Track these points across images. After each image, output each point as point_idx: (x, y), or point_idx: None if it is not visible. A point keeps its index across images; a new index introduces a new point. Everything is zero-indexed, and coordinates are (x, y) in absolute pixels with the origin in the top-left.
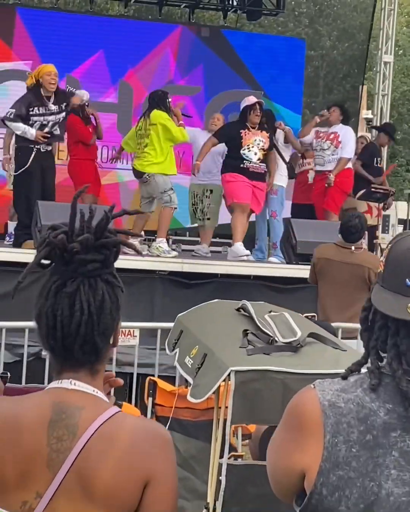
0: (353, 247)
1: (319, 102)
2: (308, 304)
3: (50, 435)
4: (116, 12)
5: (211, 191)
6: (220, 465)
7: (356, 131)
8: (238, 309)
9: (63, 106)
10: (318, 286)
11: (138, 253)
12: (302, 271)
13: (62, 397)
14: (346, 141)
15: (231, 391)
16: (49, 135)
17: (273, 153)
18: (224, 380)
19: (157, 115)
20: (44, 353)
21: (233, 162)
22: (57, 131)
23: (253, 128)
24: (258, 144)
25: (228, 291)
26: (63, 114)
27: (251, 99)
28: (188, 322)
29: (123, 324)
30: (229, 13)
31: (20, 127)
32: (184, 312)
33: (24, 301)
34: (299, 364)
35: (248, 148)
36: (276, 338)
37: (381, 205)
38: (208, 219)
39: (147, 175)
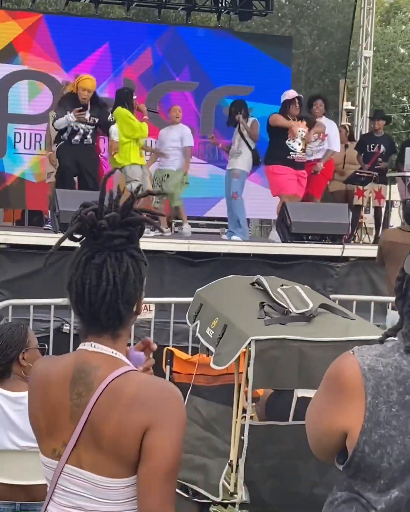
0: None
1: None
2: (301, 278)
3: (72, 392)
4: (117, 15)
5: (168, 175)
6: (242, 426)
7: (338, 121)
8: (252, 284)
9: (96, 120)
10: (386, 266)
11: (161, 231)
12: (297, 249)
13: (83, 358)
14: (333, 136)
15: (252, 358)
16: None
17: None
18: (245, 349)
19: (118, 112)
20: (65, 327)
21: (280, 153)
22: (88, 141)
23: (294, 119)
24: (301, 134)
25: (230, 268)
26: (94, 127)
27: (291, 93)
28: (207, 296)
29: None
30: (222, 14)
31: (61, 121)
32: (202, 287)
33: (48, 280)
34: (313, 333)
35: (293, 139)
36: (290, 309)
37: (379, 188)
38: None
39: (120, 168)
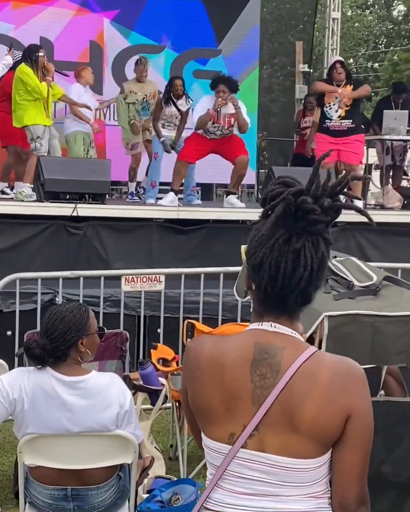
0: None
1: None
2: None
3: (253, 373)
4: None
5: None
6: None
7: (294, 85)
8: None
9: None
10: None
11: (371, 222)
12: None
13: (264, 338)
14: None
15: (324, 335)
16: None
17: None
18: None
19: (19, 69)
20: (58, 299)
21: (320, 121)
22: None
23: (339, 85)
24: (339, 100)
25: (220, 236)
26: None
27: (334, 58)
28: None
29: (149, 270)
30: None
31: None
32: None
33: (35, 251)
34: (383, 307)
35: (329, 105)
36: (354, 283)
37: None
38: None
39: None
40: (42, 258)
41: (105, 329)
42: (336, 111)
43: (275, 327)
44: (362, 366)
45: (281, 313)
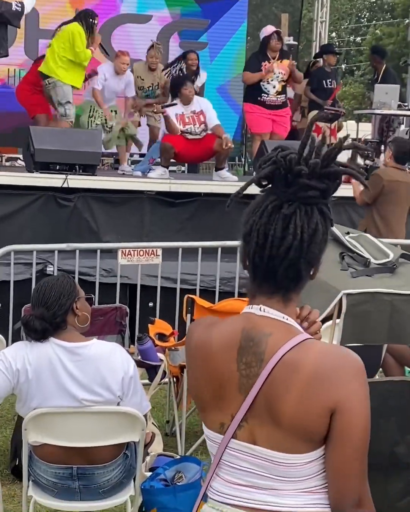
0: (408, 169)
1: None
2: None
3: (240, 361)
4: None
5: (115, 111)
6: None
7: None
8: None
9: None
10: (377, 205)
11: (366, 187)
12: None
13: (252, 324)
14: (210, 116)
15: (342, 313)
16: None
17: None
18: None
19: (73, 26)
20: (49, 269)
21: (253, 93)
22: None
23: (274, 58)
24: (278, 77)
25: (211, 209)
26: None
27: (269, 29)
28: None
29: (146, 244)
30: None
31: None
32: None
33: (26, 223)
34: (401, 285)
35: (267, 81)
36: (370, 260)
37: (334, 125)
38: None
39: (48, 81)
40: (32, 229)
41: (92, 296)
42: (274, 86)
43: (263, 311)
44: (364, 344)
45: (273, 293)
